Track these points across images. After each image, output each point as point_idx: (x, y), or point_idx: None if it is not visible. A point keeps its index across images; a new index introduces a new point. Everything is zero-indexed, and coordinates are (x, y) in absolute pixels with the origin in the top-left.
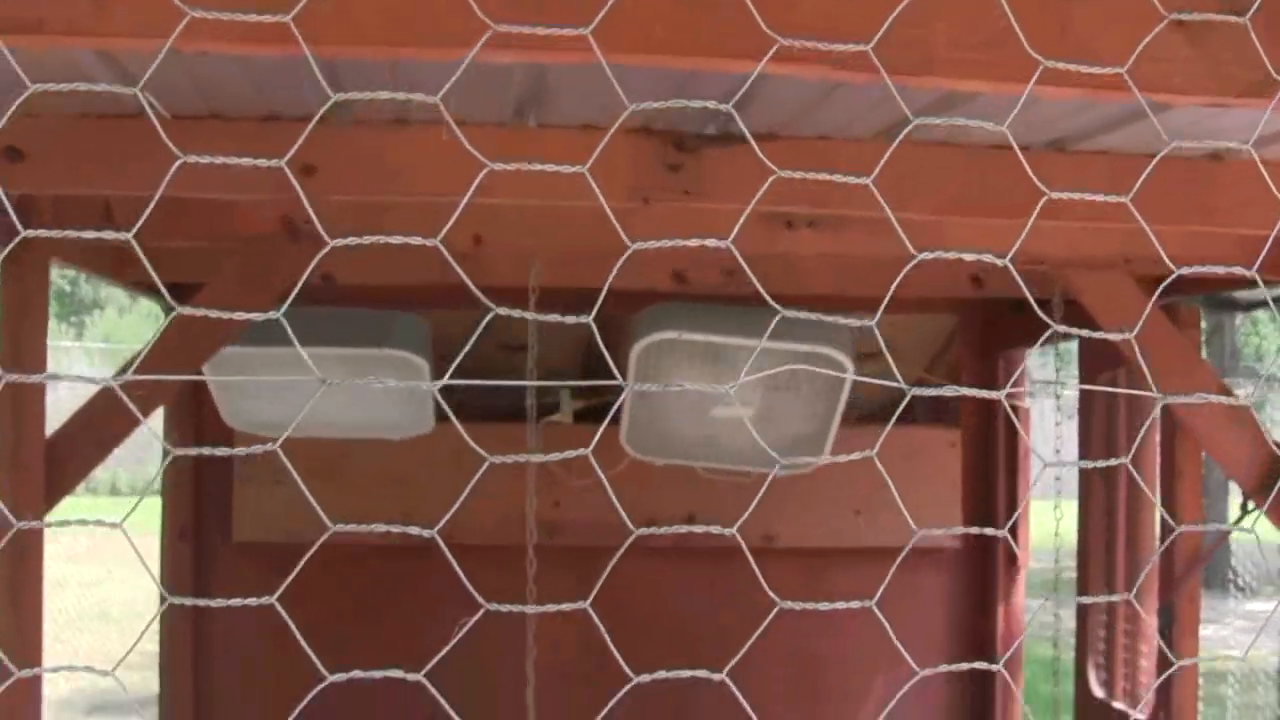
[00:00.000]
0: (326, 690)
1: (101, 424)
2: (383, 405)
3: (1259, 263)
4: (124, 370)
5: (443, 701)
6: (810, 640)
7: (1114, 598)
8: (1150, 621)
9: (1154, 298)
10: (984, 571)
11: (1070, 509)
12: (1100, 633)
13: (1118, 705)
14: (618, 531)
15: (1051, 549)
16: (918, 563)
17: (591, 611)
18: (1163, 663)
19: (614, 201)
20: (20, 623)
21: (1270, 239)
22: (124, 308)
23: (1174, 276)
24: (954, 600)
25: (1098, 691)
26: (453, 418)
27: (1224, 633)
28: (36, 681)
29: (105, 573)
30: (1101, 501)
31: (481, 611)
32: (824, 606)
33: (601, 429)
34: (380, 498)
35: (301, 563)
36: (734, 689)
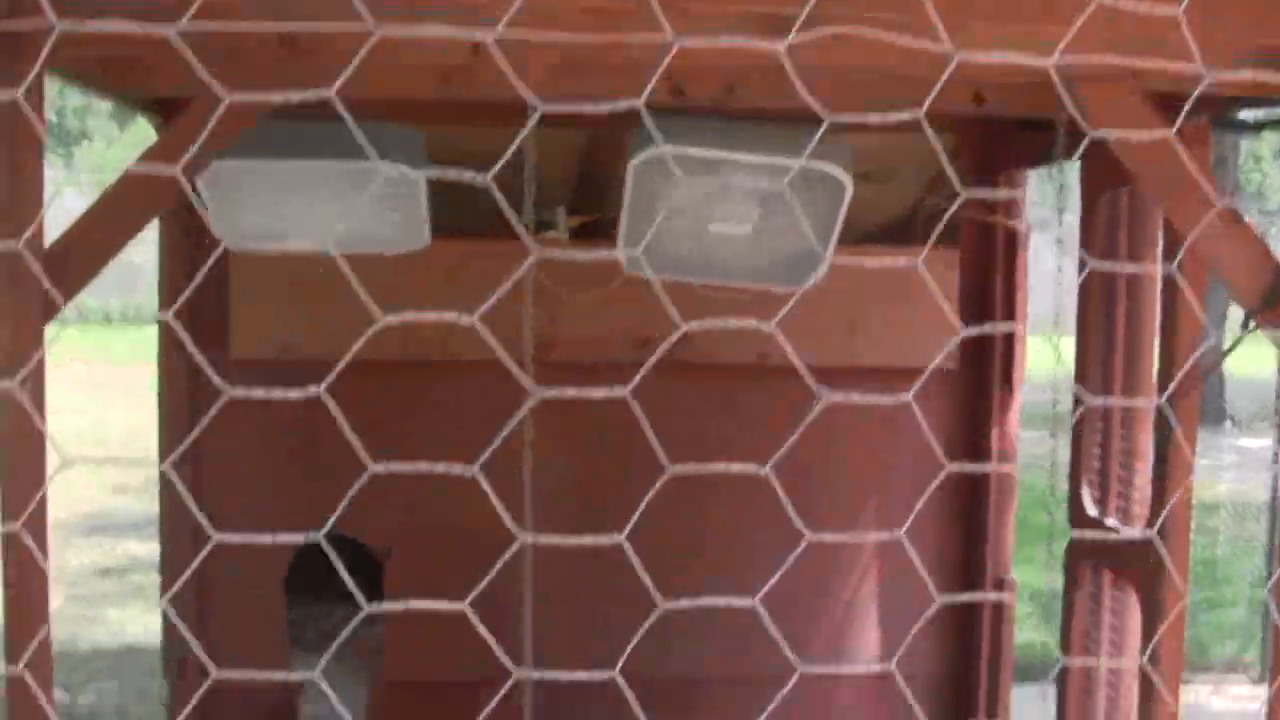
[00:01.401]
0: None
1: (98, 235)
2: (378, 219)
3: None
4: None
5: (492, 495)
6: (805, 459)
7: (1112, 402)
8: (1146, 439)
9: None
10: (979, 393)
11: (1069, 345)
12: (1095, 452)
13: (1111, 522)
14: (613, 346)
15: (1048, 383)
16: (912, 383)
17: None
18: (1158, 480)
19: (611, 1)
20: (22, 441)
21: None
22: (112, 139)
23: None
24: (949, 421)
25: (1091, 510)
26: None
27: (1213, 465)
28: (42, 500)
29: (104, 401)
30: (1100, 333)
31: (538, 399)
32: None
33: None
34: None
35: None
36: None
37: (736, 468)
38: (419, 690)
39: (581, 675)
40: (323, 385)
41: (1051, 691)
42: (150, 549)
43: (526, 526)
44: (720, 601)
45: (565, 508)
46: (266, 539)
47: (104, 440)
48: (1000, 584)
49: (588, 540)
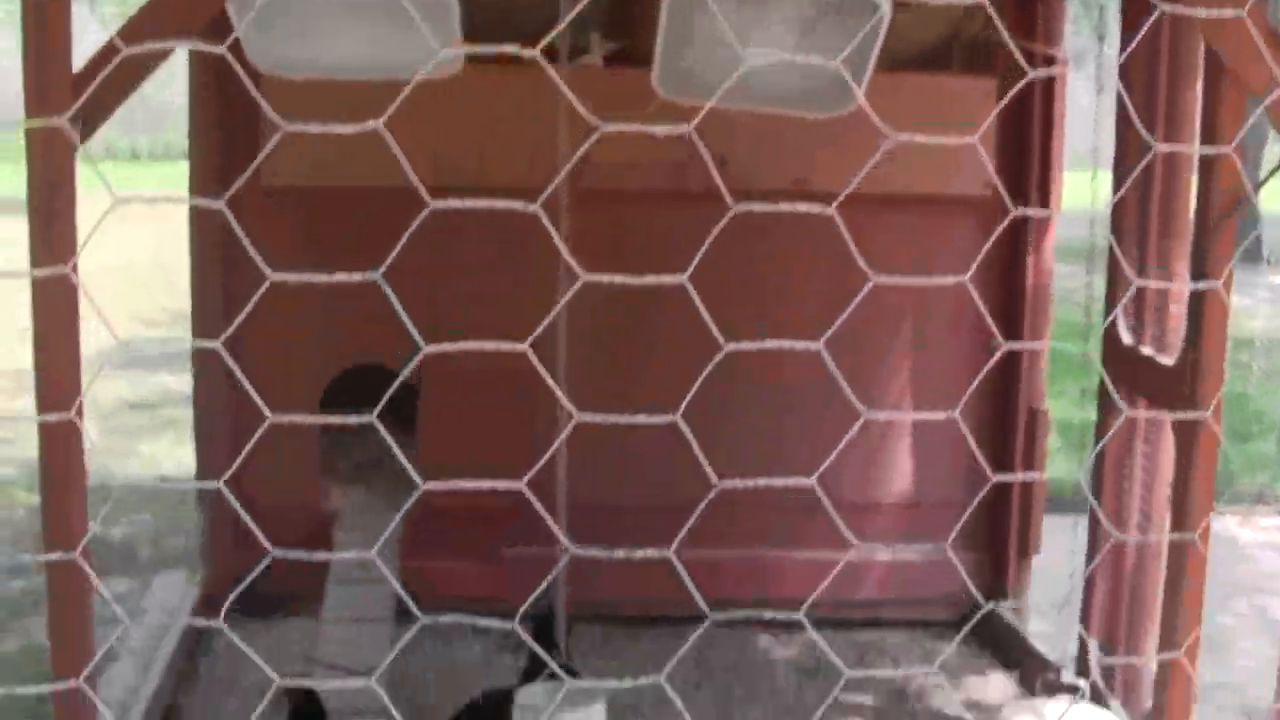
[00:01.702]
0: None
1: (125, 61)
2: (409, 43)
3: None
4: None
5: (551, 227)
6: (841, 285)
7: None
8: (1183, 269)
9: None
10: (1015, 221)
11: (1106, 180)
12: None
13: (1146, 351)
14: (646, 174)
15: (1085, 216)
16: (948, 211)
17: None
18: (1193, 309)
19: None
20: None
21: None
22: None
23: None
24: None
25: (1126, 338)
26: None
27: (1247, 302)
28: (74, 327)
29: (132, 232)
30: (1137, 166)
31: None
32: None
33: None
34: (409, 141)
35: None
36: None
37: (804, 207)
38: (452, 518)
39: (641, 419)
40: (381, 120)
41: (1083, 522)
42: (182, 381)
43: (559, 341)
44: (785, 343)
45: (598, 332)
46: (324, 278)
47: (133, 274)
48: (1033, 414)
49: (649, 279)
